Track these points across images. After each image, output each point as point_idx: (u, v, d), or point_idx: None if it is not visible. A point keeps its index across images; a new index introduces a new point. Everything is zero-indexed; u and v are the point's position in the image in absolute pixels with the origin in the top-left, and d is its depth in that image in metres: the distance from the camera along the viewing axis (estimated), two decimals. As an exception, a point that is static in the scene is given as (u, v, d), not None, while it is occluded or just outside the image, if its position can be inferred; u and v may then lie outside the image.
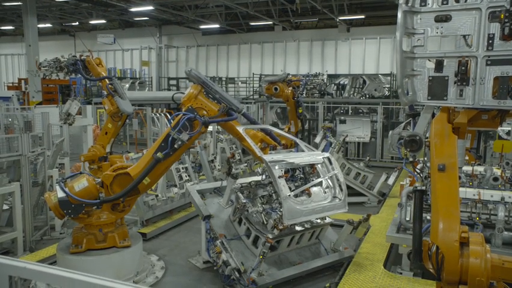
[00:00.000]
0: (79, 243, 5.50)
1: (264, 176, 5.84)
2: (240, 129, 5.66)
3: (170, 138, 5.20)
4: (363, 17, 24.59)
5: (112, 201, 5.50)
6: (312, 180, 5.74)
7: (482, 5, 2.96)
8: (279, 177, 5.15)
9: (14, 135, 6.96)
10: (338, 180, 5.66)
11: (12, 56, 37.13)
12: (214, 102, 5.53)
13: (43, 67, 8.27)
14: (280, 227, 5.24)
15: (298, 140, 6.47)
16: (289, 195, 5.11)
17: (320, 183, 5.73)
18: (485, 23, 2.96)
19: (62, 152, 8.91)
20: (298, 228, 5.78)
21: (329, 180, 5.71)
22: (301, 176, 5.93)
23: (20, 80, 27.36)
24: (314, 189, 5.64)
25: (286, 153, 5.91)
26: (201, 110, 5.38)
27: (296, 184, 5.77)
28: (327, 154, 5.97)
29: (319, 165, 5.81)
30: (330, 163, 5.76)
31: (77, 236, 5.56)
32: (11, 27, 32.00)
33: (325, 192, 5.64)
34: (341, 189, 5.61)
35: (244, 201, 5.59)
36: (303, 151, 6.05)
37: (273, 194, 5.62)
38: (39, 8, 23.71)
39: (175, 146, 5.17)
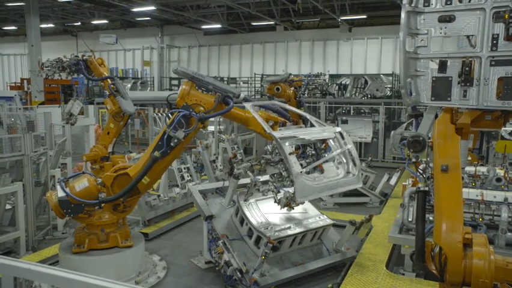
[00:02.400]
0: (81, 243, 5.51)
1: (273, 155, 5.57)
2: (248, 105, 5.45)
3: (166, 137, 5.15)
4: (365, 17, 24.58)
5: (111, 201, 5.48)
6: (324, 156, 5.46)
7: (486, 5, 2.94)
8: (290, 154, 4.88)
9: (16, 135, 6.97)
10: (350, 155, 5.38)
11: (14, 56, 37.23)
12: (210, 94, 5.40)
13: (45, 67, 8.27)
14: (293, 205, 5.05)
15: (308, 115, 6.19)
16: (301, 172, 4.85)
17: (333, 159, 5.45)
18: (489, 23, 2.95)
19: (64, 151, 8.92)
20: (298, 230, 5.76)
21: (342, 156, 5.42)
22: (313, 152, 5.56)
23: (22, 80, 27.46)
24: (327, 165, 5.36)
25: (296, 129, 5.65)
26: (197, 106, 5.29)
27: (308, 161, 5.42)
28: (338, 129, 5.65)
29: (331, 141, 5.49)
30: (343, 138, 5.46)
31: (79, 235, 5.57)
32: (13, 28, 32.09)
33: (338, 168, 5.44)
34: (355, 164, 5.34)
35: (256, 178, 5.42)
36: (313, 126, 5.82)
37: (284, 172, 5.19)
38: (42, 8, 23.76)
39: (172, 144, 5.12)
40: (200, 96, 5.36)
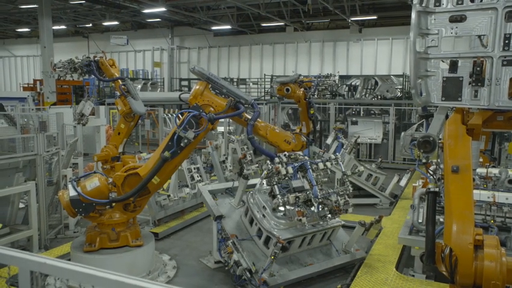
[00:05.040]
0: (92, 242, 5.57)
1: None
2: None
3: (176, 137, 5.16)
4: (375, 17, 24.43)
5: (122, 201, 5.51)
6: None
7: (498, 5, 2.92)
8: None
9: (29, 135, 7.08)
10: None
11: (27, 57, 37.82)
12: (223, 97, 5.46)
13: (58, 68, 8.38)
14: None
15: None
16: None
17: None
18: (501, 23, 2.92)
19: (75, 151, 9.03)
20: (307, 230, 5.76)
21: None
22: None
23: (35, 81, 27.93)
24: None
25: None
26: (207, 106, 5.32)
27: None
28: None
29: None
30: None
31: (90, 234, 5.63)
32: (26, 29, 32.58)
33: None
34: None
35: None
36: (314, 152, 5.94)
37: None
38: (54, 10, 24.09)
39: (182, 144, 5.14)
40: (212, 98, 5.40)
